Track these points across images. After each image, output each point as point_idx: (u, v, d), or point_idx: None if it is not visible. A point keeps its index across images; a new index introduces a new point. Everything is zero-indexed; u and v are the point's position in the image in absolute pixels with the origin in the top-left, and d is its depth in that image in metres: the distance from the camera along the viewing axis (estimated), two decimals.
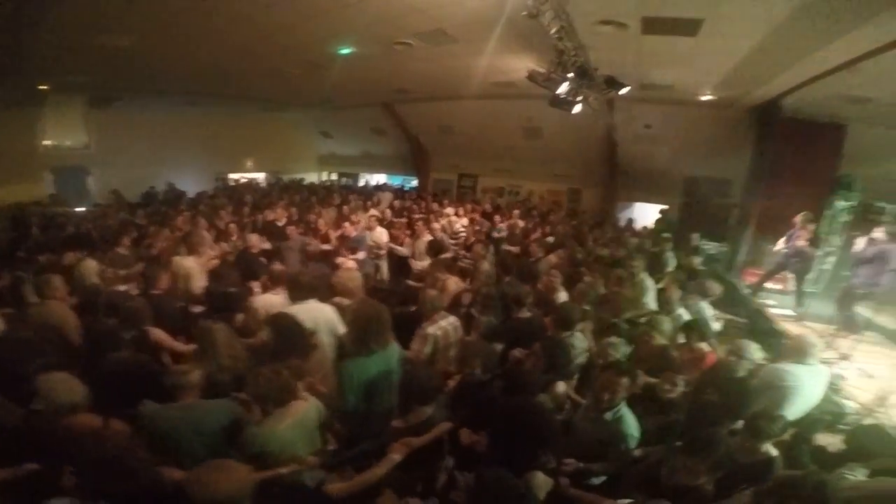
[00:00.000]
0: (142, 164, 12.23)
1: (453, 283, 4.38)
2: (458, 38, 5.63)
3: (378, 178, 17.24)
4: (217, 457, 2.11)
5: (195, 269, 4.62)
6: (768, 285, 7.02)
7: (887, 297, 5.00)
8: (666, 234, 7.24)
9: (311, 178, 17.14)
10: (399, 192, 13.28)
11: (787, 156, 7.37)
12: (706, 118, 8.42)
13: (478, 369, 2.76)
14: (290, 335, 2.83)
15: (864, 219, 7.10)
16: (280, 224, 7.14)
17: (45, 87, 8.99)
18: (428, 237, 6.62)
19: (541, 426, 2.14)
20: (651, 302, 4.74)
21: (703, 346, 3.46)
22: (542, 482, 2.06)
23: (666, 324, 3.73)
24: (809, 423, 3.16)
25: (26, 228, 7.58)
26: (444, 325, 3.39)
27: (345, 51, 6.49)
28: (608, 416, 2.51)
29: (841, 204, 7.24)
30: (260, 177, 16.50)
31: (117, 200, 10.52)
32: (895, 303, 6.16)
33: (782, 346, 3.57)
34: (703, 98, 7.54)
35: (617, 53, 5.51)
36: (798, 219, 6.04)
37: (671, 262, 6.14)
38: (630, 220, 10.21)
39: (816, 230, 6.21)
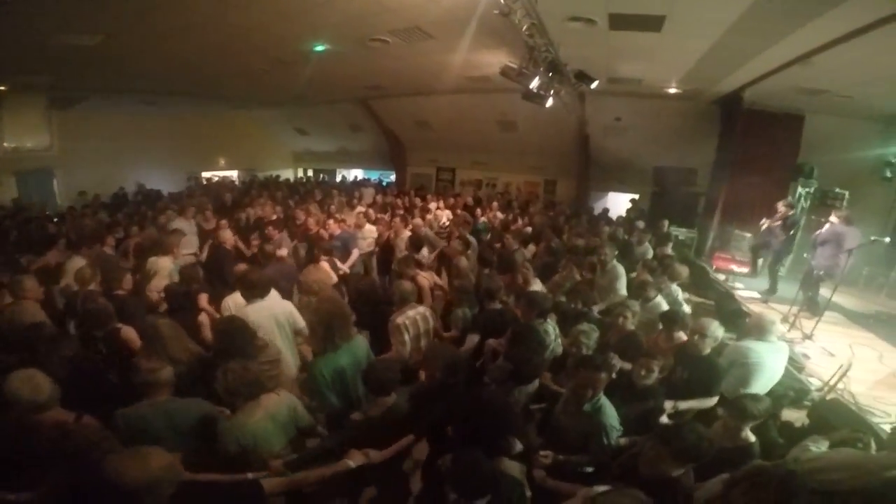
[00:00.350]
0: (108, 165, 11.96)
1: (423, 278, 4.42)
2: (433, 35, 5.66)
3: (355, 173, 17.24)
4: (192, 453, 2.21)
5: (167, 268, 4.63)
6: (734, 268, 7.41)
7: (845, 278, 5.31)
8: (642, 225, 7.51)
9: (287, 174, 16.97)
10: (380, 188, 13.30)
11: (750, 145, 7.71)
12: (673, 110, 8.71)
13: (439, 373, 2.67)
14: (233, 337, 2.82)
15: (823, 204, 7.55)
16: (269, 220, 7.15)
17: (2, 88, 8.73)
18: (407, 233, 6.64)
19: (497, 414, 2.24)
20: (622, 288, 4.92)
21: (681, 334, 3.49)
22: (510, 465, 2.19)
23: (635, 307, 3.78)
24: (775, 398, 3.31)
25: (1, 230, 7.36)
26: (413, 314, 3.46)
27: (319, 48, 6.42)
28: (587, 407, 2.54)
29: (801, 190, 7.66)
30: (233, 174, 16.30)
31: (93, 201, 10.19)
32: (853, 284, 6.65)
33: (744, 325, 3.81)
34: (670, 91, 7.79)
35: (586, 49, 5.65)
36: (779, 205, 6.41)
37: (649, 252, 6.31)
38: (605, 210, 10.52)
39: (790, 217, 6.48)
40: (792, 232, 6.50)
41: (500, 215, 8.86)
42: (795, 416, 3.52)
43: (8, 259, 5.24)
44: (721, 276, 7.22)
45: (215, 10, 4.80)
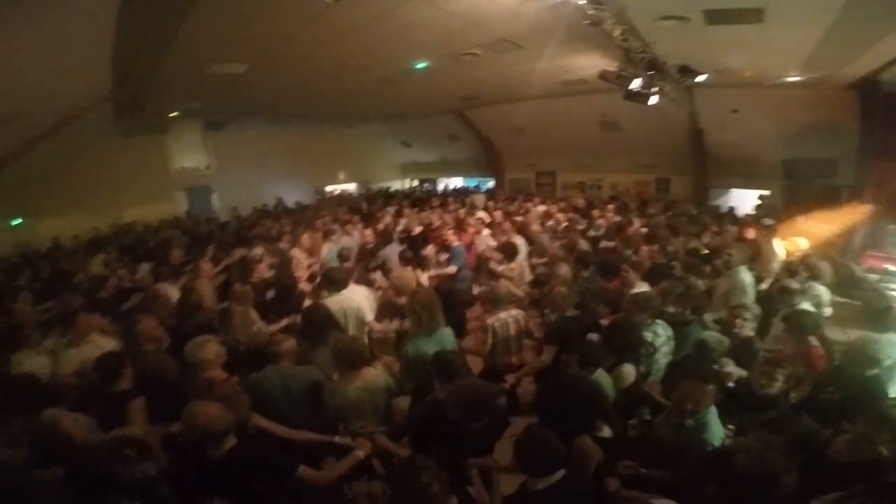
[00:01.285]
0: (252, 182, 13.45)
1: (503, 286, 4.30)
2: (522, 45, 5.88)
3: (455, 182, 17.89)
4: (300, 415, 2.69)
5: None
6: (891, 267, 6.30)
7: None
8: (768, 222, 6.72)
9: (396, 185, 18.25)
10: (489, 194, 13.42)
11: (893, 132, 6.52)
12: (797, 99, 7.73)
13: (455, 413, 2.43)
14: (314, 321, 3.34)
15: None
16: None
17: (174, 115, 9.91)
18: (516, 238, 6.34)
19: (582, 397, 2.35)
20: (748, 297, 4.25)
21: (811, 339, 3.16)
22: (588, 445, 2.28)
23: (755, 309, 3.48)
24: None
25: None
26: (504, 317, 3.59)
27: (419, 66, 7.02)
28: (689, 422, 2.38)
29: None
30: (351, 187, 18.00)
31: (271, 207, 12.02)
32: None
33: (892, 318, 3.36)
34: (789, 79, 6.94)
35: (685, 44, 5.37)
36: None
37: (775, 254, 5.66)
38: (731, 209, 9.58)
39: None
40: None
41: (615, 218, 8.27)
42: None
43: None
44: (874, 277, 6.17)
45: (325, 39, 5.45)
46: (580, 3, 3.94)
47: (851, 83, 6.83)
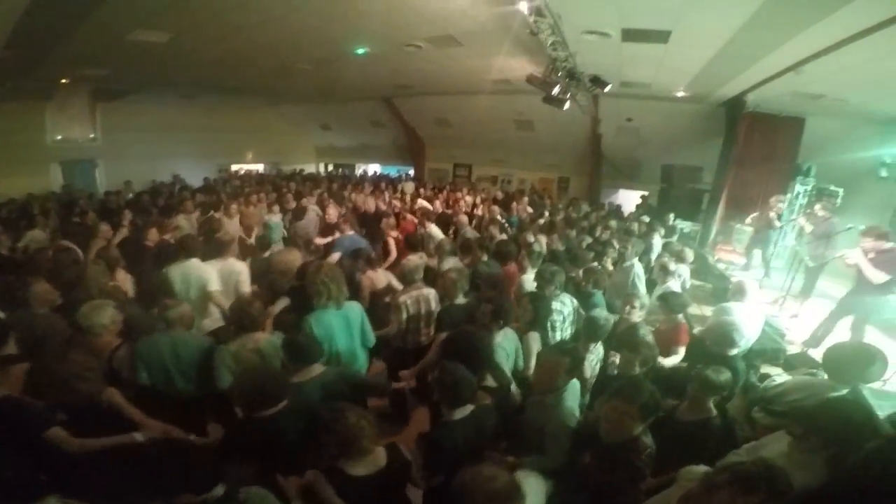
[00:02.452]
0: (146, 157, 12.47)
1: (367, 279, 4.27)
2: (463, 43, 6.34)
3: (373, 168, 17.86)
4: (192, 382, 2.83)
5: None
6: (734, 259, 8.02)
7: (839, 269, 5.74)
8: (647, 220, 8.06)
9: (310, 168, 17.75)
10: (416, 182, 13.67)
11: (752, 145, 8.29)
12: (681, 112, 9.30)
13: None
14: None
15: (819, 200, 8.07)
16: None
17: (64, 81, 9.18)
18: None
19: (473, 348, 2.68)
20: (640, 287, 4.76)
21: (679, 317, 3.63)
22: (482, 396, 2.53)
23: (644, 299, 4.04)
24: (754, 353, 3.95)
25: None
26: (416, 294, 3.59)
27: (360, 51, 7.12)
28: (550, 399, 2.41)
29: (799, 188, 8.19)
30: (259, 167, 17.03)
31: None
32: (846, 275, 7.17)
33: (728, 290, 4.43)
34: (678, 94, 8.40)
35: (600, 57, 6.27)
36: (771, 200, 7.11)
37: (657, 247, 6.61)
38: (618, 206, 11.10)
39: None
40: (780, 225, 7.08)
41: (529, 210, 9.11)
42: (773, 371, 4.13)
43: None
44: (721, 266, 7.83)
45: (276, 11, 5.30)
46: (524, 12, 4.49)
47: (723, 101, 8.47)
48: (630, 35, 5.27)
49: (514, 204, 9.50)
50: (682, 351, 3.52)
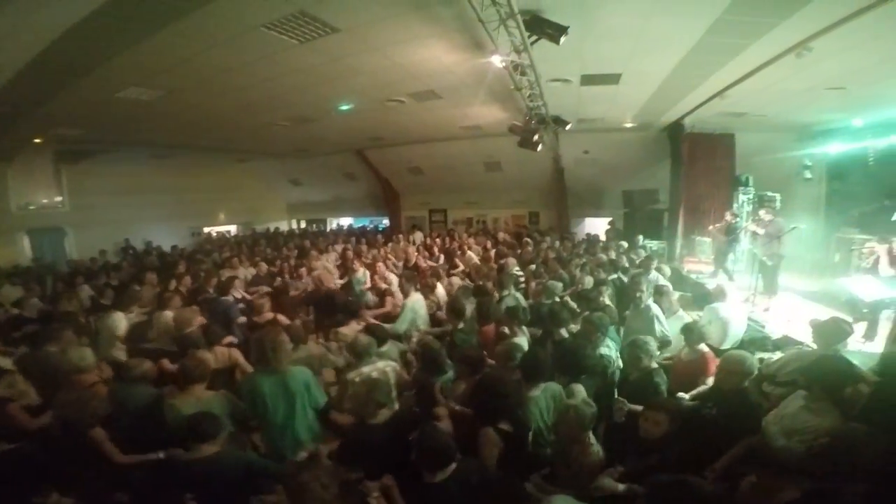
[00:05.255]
0: (116, 222, 12.11)
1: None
2: (442, 96, 7.03)
3: (345, 221, 18.07)
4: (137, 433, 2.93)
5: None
6: (702, 269, 8.81)
7: (797, 265, 6.45)
8: (626, 245, 8.82)
9: (282, 226, 17.81)
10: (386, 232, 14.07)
11: (696, 162, 9.37)
12: (631, 140, 10.40)
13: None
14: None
15: (761, 206, 9.08)
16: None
17: (38, 141, 8.63)
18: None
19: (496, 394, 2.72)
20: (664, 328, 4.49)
21: (703, 347, 3.63)
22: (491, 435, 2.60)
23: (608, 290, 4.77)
24: (747, 342, 4.47)
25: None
26: (367, 371, 3.31)
27: (344, 107, 7.62)
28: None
29: (742, 197, 9.21)
30: (232, 229, 16.93)
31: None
32: (801, 269, 8.06)
33: (710, 295, 5.03)
34: (627, 125, 9.49)
35: (562, 99, 7.10)
36: (726, 214, 8.00)
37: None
38: (596, 236, 11.68)
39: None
40: (734, 235, 7.91)
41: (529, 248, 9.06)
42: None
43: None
44: (693, 276, 8.58)
45: (268, 72, 5.54)
46: (504, 67, 5.18)
47: (665, 127, 9.59)
48: (588, 80, 6.14)
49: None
50: (710, 382, 3.32)
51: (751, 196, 8.97)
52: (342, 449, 2.75)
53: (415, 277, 6.14)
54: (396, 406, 3.32)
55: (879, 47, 4.53)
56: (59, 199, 11.13)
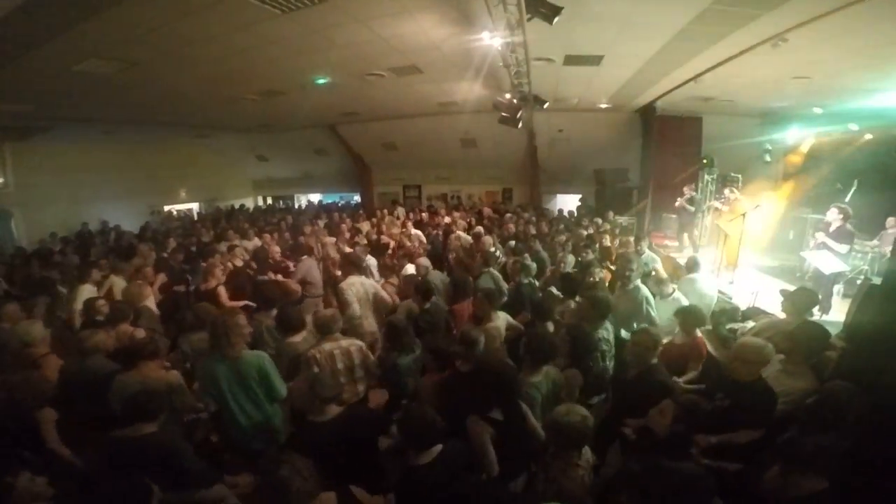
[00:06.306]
0: (67, 202, 11.52)
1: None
2: (423, 71, 6.87)
3: (314, 198, 17.79)
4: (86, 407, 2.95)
5: None
6: (668, 243, 9.26)
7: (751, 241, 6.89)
8: (600, 221, 9.14)
9: (248, 203, 17.22)
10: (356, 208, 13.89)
11: (666, 143, 9.78)
12: (604, 120, 10.63)
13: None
14: None
15: (724, 185, 9.63)
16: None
17: None
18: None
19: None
20: (650, 311, 4.38)
21: (696, 332, 3.64)
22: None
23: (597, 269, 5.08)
24: (718, 314, 4.62)
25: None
26: (329, 348, 3.24)
27: (320, 81, 7.30)
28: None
29: (707, 177, 9.68)
30: (194, 206, 16.30)
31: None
32: (758, 246, 8.64)
33: (683, 266, 5.35)
34: (601, 106, 9.66)
35: (542, 78, 7.11)
36: (685, 189, 8.44)
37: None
38: (570, 212, 12.05)
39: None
40: (697, 205, 8.46)
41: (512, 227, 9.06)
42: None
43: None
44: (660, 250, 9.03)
45: (241, 44, 5.27)
46: (496, 47, 5.14)
47: (637, 109, 9.86)
48: (571, 60, 6.18)
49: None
50: (699, 367, 3.41)
51: (714, 176, 9.42)
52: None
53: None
54: (361, 389, 3.30)
55: (847, 42, 4.80)
56: (1, 179, 10.40)
